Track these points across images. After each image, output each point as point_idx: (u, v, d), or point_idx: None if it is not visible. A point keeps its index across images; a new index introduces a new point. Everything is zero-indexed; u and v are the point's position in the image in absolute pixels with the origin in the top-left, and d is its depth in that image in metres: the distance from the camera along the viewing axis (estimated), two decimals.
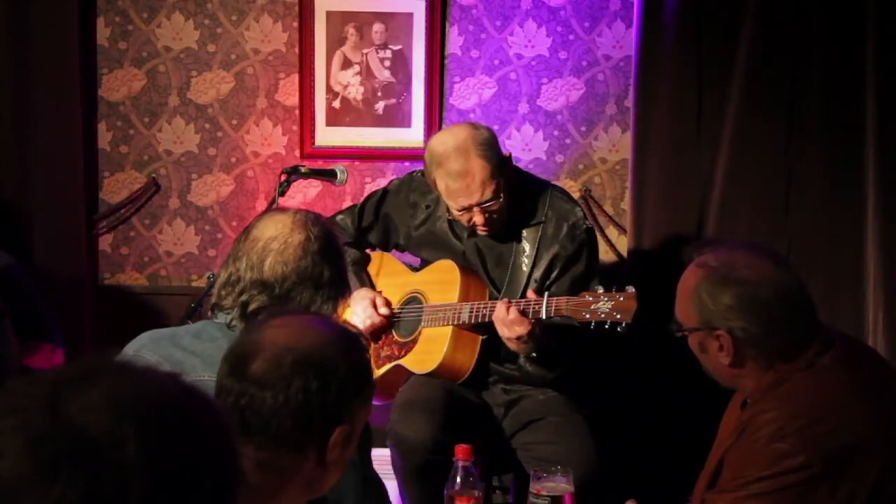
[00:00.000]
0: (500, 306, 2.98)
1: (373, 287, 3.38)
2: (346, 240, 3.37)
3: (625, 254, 4.04)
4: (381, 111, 4.06)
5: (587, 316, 2.87)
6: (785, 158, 3.87)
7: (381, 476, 2.28)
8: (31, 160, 3.94)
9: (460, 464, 2.45)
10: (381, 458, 3.11)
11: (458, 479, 2.44)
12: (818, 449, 2.11)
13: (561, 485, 2.47)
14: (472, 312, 3.10)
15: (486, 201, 3.08)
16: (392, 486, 2.94)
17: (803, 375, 2.20)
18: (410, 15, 4.01)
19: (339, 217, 3.47)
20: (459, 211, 3.12)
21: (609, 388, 3.83)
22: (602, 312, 2.85)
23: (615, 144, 4.09)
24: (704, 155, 3.90)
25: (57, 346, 3.47)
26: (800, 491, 2.11)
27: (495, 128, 3.99)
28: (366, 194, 3.61)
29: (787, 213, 3.88)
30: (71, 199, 3.97)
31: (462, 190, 3.07)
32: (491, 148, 3.10)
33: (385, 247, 3.47)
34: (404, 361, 3.26)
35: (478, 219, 3.11)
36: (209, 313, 2.29)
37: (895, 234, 3.79)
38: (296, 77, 4.05)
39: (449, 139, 3.12)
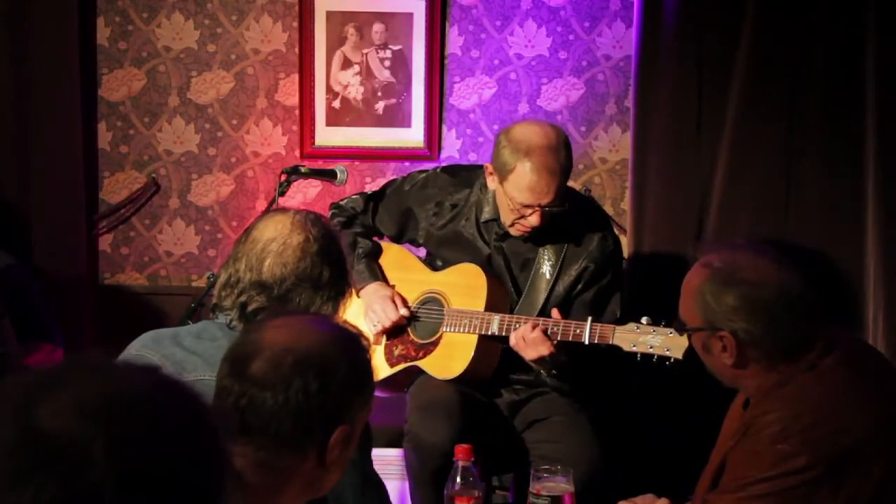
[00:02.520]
0: (524, 327, 2.97)
1: (385, 281, 3.36)
2: (356, 230, 3.34)
3: (625, 254, 4.04)
4: (381, 111, 4.06)
5: (634, 347, 2.85)
6: (785, 158, 3.87)
7: (381, 476, 2.27)
8: (31, 160, 3.94)
9: (460, 464, 2.45)
10: (382, 458, 3.11)
11: (458, 479, 2.44)
12: (821, 450, 2.11)
13: (561, 485, 2.47)
14: (501, 324, 3.08)
15: (555, 205, 3.04)
16: (392, 487, 2.94)
17: (806, 377, 2.20)
18: (410, 15, 4.01)
19: (345, 200, 3.43)
20: (523, 206, 3.05)
21: (613, 388, 3.82)
22: (651, 346, 2.83)
23: (615, 144, 4.09)
24: (704, 155, 3.89)
25: (57, 346, 3.47)
26: (802, 492, 2.11)
27: (495, 128, 4.00)
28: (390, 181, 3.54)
29: (787, 213, 3.88)
30: (71, 199, 3.97)
31: (542, 187, 3.00)
32: (571, 154, 3.08)
33: (398, 239, 3.42)
34: (423, 364, 3.23)
35: (534, 219, 3.05)
36: (210, 314, 2.30)
37: (895, 234, 3.79)
38: (296, 77, 4.05)
39: (540, 132, 3.06)
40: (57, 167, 3.95)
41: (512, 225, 3.12)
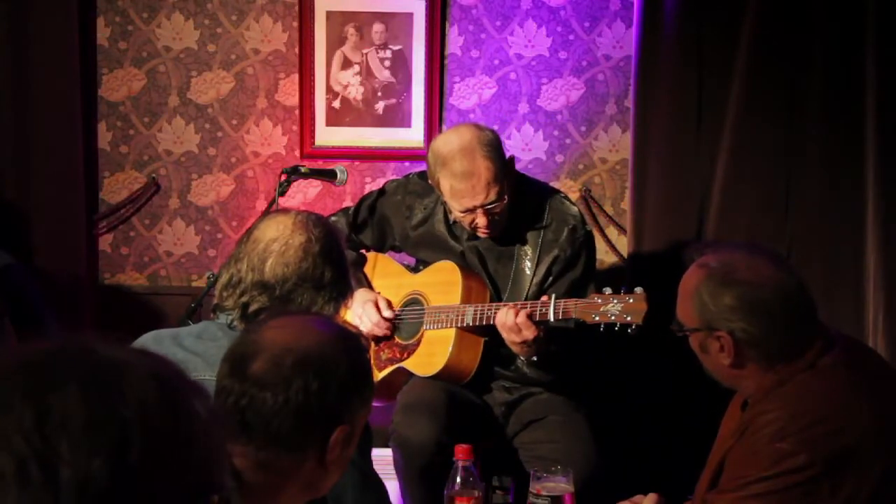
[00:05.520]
0: (507, 311, 2.97)
1: (371, 288, 3.37)
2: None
3: (625, 254, 4.04)
4: (381, 111, 4.06)
5: (596, 318, 2.86)
6: (785, 158, 3.87)
7: (381, 476, 2.27)
8: (31, 160, 3.94)
9: (460, 464, 2.45)
10: (382, 458, 3.11)
11: (458, 479, 2.44)
12: (819, 449, 2.11)
13: (561, 485, 2.47)
14: (475, 314, 3.09)
15: (491, 203, 3.06)
16: (392, 487, 2.94)
17: (804, 376, 2.21)
18: (410, 15, 4.01)
19: (333, 219, 3.46)
20: (463, 213, 3.09)
21: (610, 387, 3.83)
22: (612, 314, 2.83)
23: (615, 144, 4.09)
24: (704, 155, 3.89)
25: None
26: (801, 491, 2.11)
27: (495, 128, 3.98)
28: (365, 195, 3.60)
29: (787, 213, 3.88)
30: (71, 199, 3.97)
31: (467, 191, 3.05)
32: (496, 149, 3.09)
33: (380, 248, 3.46)
34: (407, 364, 3.25)
35: (480, 221, 3.09)
36: (210, 314, 2.30)
37: (895, 234, 3.79)
38: (296, 77, 4.05)
39: (454, 139, 3.10)
40: (57, 167, 3.95)
41: (473, 230, 3.16)
